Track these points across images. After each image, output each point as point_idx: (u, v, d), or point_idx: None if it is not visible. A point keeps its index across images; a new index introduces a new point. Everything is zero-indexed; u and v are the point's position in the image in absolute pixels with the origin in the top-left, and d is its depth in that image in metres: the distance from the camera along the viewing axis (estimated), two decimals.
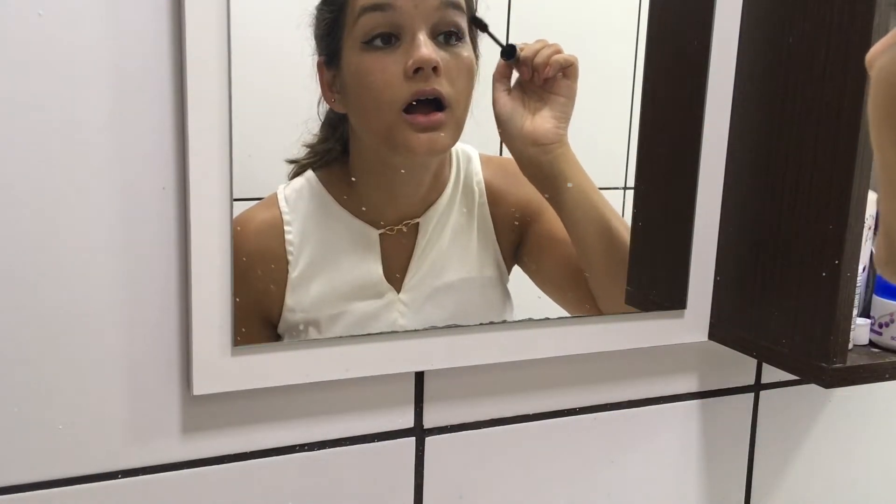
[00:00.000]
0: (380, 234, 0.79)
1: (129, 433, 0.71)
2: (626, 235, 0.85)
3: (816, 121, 0.79)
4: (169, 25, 0.66)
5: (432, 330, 0.79)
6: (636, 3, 0.84)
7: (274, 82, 0.74)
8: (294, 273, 0.76)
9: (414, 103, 0.74)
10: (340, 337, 0.75)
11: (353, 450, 0.80)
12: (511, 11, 0.80)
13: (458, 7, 0.75)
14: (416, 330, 0.78)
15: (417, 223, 0.80)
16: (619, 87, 0.86)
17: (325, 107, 0.75)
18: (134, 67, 0.66)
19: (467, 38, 0.76)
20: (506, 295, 0.85)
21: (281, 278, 0.76)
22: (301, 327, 0.77)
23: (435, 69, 0.73)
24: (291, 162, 0.76)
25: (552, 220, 0.83)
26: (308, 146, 0.75)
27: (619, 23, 0.86)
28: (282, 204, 0.76)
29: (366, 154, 0.78)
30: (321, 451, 0.79)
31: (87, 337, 0.69)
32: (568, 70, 0.78)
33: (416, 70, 0.73)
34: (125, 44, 0.65)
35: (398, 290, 0.80)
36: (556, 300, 0.85)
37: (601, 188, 0.84)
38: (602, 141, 0.88)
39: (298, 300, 0.77)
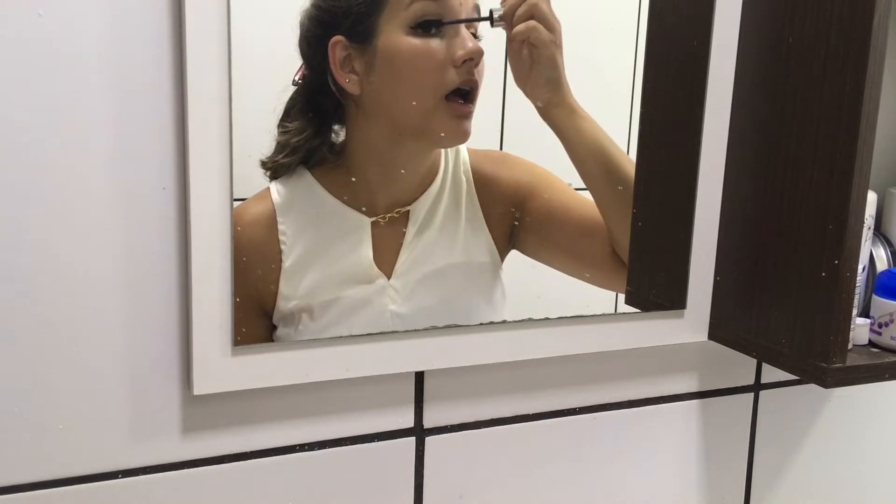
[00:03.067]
0: (371, 222, 0.80)
1: (129, 433, 0.71)
2: (627, 164, 0.85)
3: (816, 121, 0.79)
4: (169, 26, 0.66)
5: (432, 330, 0.79)
6: (636, 3, 0.84)
7: (274, 82, 0.74)
8: (287, 263, 0.77)
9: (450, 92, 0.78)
10: (340, 337, 0.76)
11: (353, 450, 0.80)
12: None
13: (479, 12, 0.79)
14: (416, 330, 0.78)
15: (408, 210, 0.81)
16: (619, 87, 0.86)
17: (287, 94, 0.75)
18: (134, 67, 0.66)
19: None
20: (498, 282, 0.85)
21: (275, 268, 0.77)
22: (294, 315, 0.78)
23: (476, 63, 0.78)
24: (267, 162, 0.75)
25: (548, 193, 0.85)
26: (281, 139, 0.75)
27: (619, 23, 0.86)
28: (274, 197, 0.77)
29: (371, 140, 0.79)
30: (321, 451, 0.79)
31: (88, 337, 0.69)
32: (534, 36, 0.79)
33: (465, 61, 0.77)
34: (125, 44, 0.65)
35: (389, 276, 0.80)
36: (568, 266, 0.86)
37: None
38: None
39: (292, 289, 0.77)
